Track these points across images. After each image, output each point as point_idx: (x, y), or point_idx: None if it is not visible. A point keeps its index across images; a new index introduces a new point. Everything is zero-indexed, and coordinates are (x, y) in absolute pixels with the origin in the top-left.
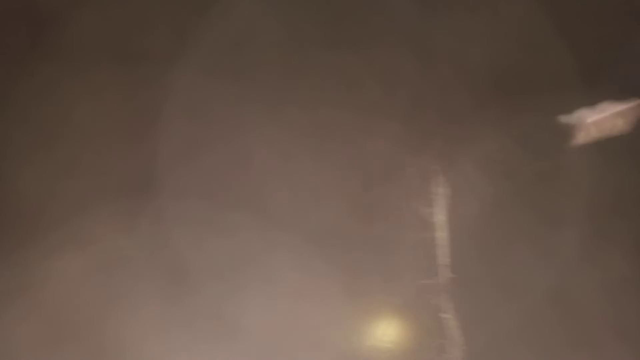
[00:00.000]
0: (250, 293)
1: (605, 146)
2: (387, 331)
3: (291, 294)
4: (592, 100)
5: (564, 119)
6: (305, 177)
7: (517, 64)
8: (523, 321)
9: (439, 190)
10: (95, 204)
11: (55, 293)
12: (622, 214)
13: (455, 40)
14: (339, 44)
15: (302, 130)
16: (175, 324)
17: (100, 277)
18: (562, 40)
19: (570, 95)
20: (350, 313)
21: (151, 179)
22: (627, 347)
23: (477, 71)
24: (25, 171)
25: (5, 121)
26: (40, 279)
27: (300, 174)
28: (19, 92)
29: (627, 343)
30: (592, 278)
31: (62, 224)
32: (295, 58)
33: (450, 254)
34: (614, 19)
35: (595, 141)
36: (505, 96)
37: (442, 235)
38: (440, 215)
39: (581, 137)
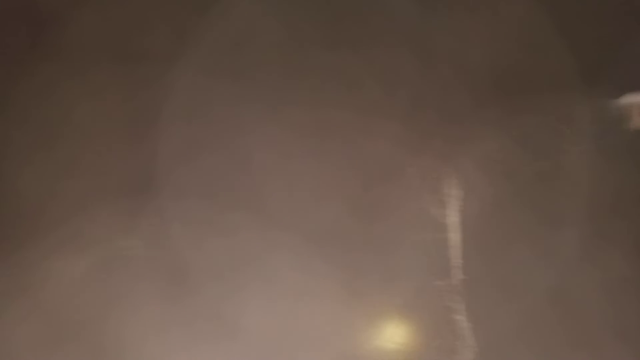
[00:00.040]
0: (250, 293)
1: (605, 146)
2: (387, 331)
3: (291, 294)
4: (592, 100)
5: (617, 102)
6: (305, 177)
7: (517, 64)
8: (523, 321)
9: (451, 192)
10: (95, 204)
11: (55, 293)
12: (622, 214)
13: (455, 40)
14: (339, 44)
15: (302, 130)
16: (175, 324)
17: (100, 277)
18: (562, 40)
19: (570, 95)
20: (350, 313)
21: (151, 179)
22: (627, 347)
23: (477, 71)
24: (25, 171)
25: (5, 121)
26: (40, 279)
27: (300, 174)
28: (19, 92)
29: (627, 343)
30: (592, 278)
31: (62, 224)
32: (295, 58)
33: (454, 254)
34: (614, 19)
35: None
36: (505, 96)
37: (453, 236)
38: (452, 217)
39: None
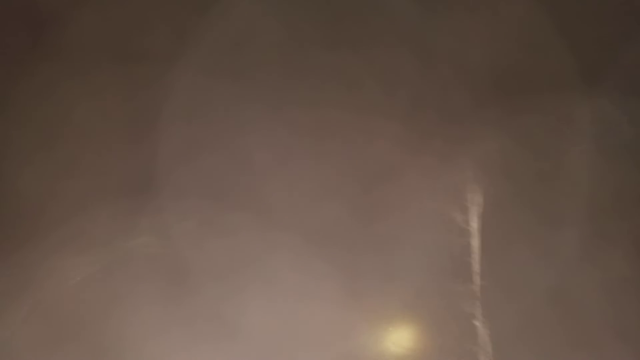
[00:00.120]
0: (251, 294)
1: (605, 146)
2: (389, 334)
3: (292, 295)
4: (592, 100)
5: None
6: (305, 177)
7: (517, 64)
8: (523, 321)
9: (474, 198)
10: (95, 204)
11: (55, 293)
12: (622, 214)
13: (455, 40)
14: (339, 44)
15: (302, 130)
16: (175, 325)
17: (100, 278)
18: (562, 40)
19: (570, 95)
20: (351, 313)
21: (151, 179)
22: (627, 347)
23: (477, 71)
24: (25, 171)
25: (5, 121)
26: (40, 279)
27: (301, 174)
28: (19, 92)
29: (627, 343)
30: (592, 278)
31: (62, 224)
32: (295, 58)
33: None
34: (614, 19)
35: None
36: (505, 96)
37: (471, 241)
38: (473, 223)
39: None
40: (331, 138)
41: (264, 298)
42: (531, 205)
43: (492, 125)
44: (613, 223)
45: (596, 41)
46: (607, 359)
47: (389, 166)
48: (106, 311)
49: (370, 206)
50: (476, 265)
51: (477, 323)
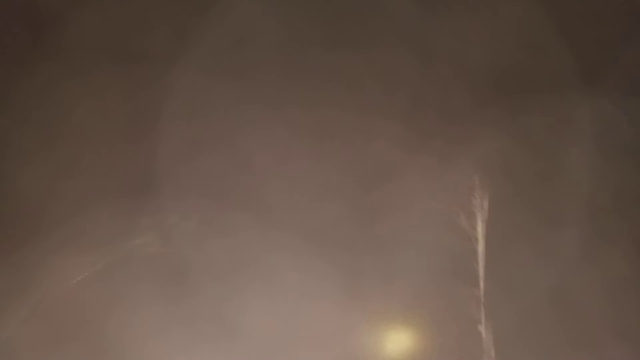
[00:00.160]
0: (251, 294)
1: (605, 146)
2: (389, 334)
3: (292, 295)
4: (592, 100)
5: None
6: (305, 177)
7: (517, 64)
8: (523, 321)
9: (474, 198)
10: (96, 204)
11: (55, 293)
12: (622, 214)
13: (455, 40)
14: (339, 44)
15: (302, 131)
16: (175, 325)
17: (100, 278)
18: (562, 40)
19: (570, 95)
20: (351, 314)
21: (151, 179)
22: (627, 347)
23: (477, 71)
24: (25, 171)
25: (5, 121)
26: (40, 279)
27: (301, 174)
28: (19, 92)
29: (627, 343)
30: (592, 278)
31: (62, 224)
32: (296, 58)
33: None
34: (614, 19)
35: None
36: (505, 96)
37: (476, 245)
38: (473, 223)
39: None
40: (331, 138)
41: (264, 298)
42: (531, 205)
43: (492, 125)
44: (613, 223)
45: (596, 41)
46: (607, 359)
47: (389, 166)
48: (106, 311)
49: (371, 206)
50: (476, 266)
51: (478, 323)
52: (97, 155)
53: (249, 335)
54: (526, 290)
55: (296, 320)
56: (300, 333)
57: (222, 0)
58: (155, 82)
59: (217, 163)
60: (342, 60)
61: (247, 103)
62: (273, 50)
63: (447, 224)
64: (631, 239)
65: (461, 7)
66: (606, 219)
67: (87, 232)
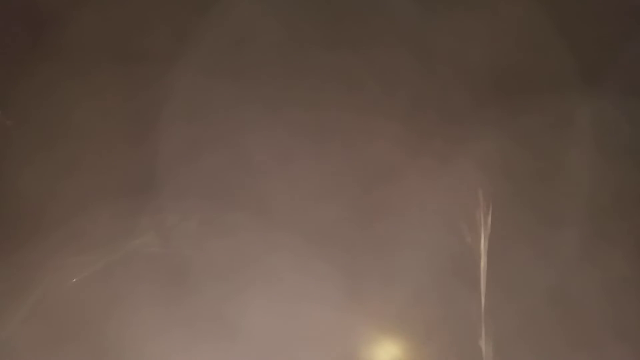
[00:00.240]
0: (251, 294)
1: (605, 146)
2: (388, 333)
3: (292, 295)
4: (592, 100)
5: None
6: (305, 177)
7: (517, 64)
8: (523, 321)
9: (474, 198)
10: (96, 204)
11: (55, 293)
12: (622, 214)
13: (455, 40)
14: (339, 44)
15: (302, 131)
16: (175, 325)
17: (100, 278)
18: (562, 40)
19: (570, 95)
20: (352, 314)
21: (151, 179)
22: (627, 347)
23: (477, 71)
24: (25, 171)
25: (5, 121)
26: (40, 279)
27: (301, 174)
28: (19, 92)
29: (627, 343)
30: (592, 278)
31: (62, 224)
32: (296, 58)
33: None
34: (614, 19)
35: None
36: (505, 96)
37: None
38: (473, 223)
39: None
40: (331, 138)
41: (265, 298)
42: (531, 205)
43: (492, 125)
44: (613, 223)
45: (596, 41)
46: (607, 359)
47: (389, 166)
48: (106, 311)
49: (371, 206)
50: (476, 266)
51: (478, 323)
52: (97, 155)
53: (249, 335)
54: (526, 290)
55: (296, 321)
56: (300, 333)
57: (222, 0)
58: (155, 82)
59: (217, 163)
60: (342, 60)
61: (247, 103)
62: (273, 50)
63: (447, 225)
64: (631, 239)
65: (461, 7)
66: (606, 219)
67: (87, 232)
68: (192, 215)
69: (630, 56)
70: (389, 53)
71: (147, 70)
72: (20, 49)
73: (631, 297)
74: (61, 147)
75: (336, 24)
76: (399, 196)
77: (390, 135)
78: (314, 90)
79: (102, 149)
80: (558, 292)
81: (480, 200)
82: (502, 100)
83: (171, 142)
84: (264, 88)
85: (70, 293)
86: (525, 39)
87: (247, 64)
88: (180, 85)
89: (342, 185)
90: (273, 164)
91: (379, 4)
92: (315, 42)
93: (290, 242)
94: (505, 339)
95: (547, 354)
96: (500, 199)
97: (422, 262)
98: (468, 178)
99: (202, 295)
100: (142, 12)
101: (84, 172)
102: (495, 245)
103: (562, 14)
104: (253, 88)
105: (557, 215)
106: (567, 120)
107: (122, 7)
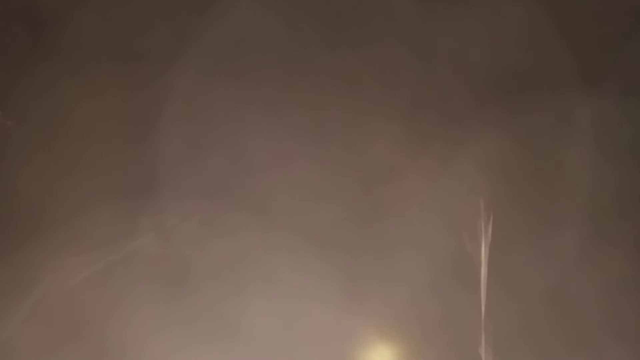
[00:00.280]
0: (251, 294)
1: (605, 146)
2: (388, 333)
3: (292, 295)
4: (592, 100)
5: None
6: (305, 177)
7: (517, 64)
8: (523, 321)
9: (473, 198)
10: (96, 204)
11: (55, 293)
12: (622, 214)
13: (455, 40)
14: (339, 44)
15: (302, 131)
16: (176, 325)
17: (100, 278)
18: (562, 40)
19: (570, 95)
20: (351, 315)
21: (151, 179)
22: (627, 347)
23: (477, 71)
24: (25, 171)
25: (5, 121)
26: (40, 279)
27: (301, 175)
28: (19, 92)
29: (627, 343)
30: (592, 278)
31: (62, 224)
32: (296, 58)
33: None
34: (614, 19)
35: None
36: (505, 96)
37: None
38: (473, 223)
39: None
40: (331, 138)
41: (264, 298)
42: (531, 205)
43: (492, 125)
44: (613, 223)
45: (596, 41)
46: (607, 359)
47: (389, 166)
48: (106, 311)
49: (371, 207)
50: (476, 266)
51: (478, 323)
52: (97, 155)
53: (249, 335)
54: (526, 290)
55: (296, 321)
56: (299, 333)
57: (222, 0)
58: (155, 82)
59: (217, 163)
60: (342, 60)
61: (247, 103)
62: (273, 50)
63: (447, 225)
64: (631, 239)
65: (461, 7)
66: (606, 219)
67: (87, 232)
68: (192, 216)
69: (630, 56)
70: (389, 53)
71: (147, 70)
72: (20, 49)
73: (631, 297)
74: (61, 147)
75: (336, 24)
76: (399, 196)
77: (390, 135)
78: (314, 90)
79: (102, 149)
80: (558, 292)
81: (480, 201)
82: (502, 100)
83: (171, 142)
84: (264, 88)
85: (70, 293)
86: (525, 39)
87: (247, 64)
88: (180, 85)
89: (342, 185)
90: (273, 164)
91: (379, 4)
92: (315, 42)
93: (290, 242)
94: (505, 339)
95: (547, 354)
96: (500, 199)
97: (422, 263)
98: (468, 178)
99: (202, 295)
100: (142, 12)
101: (84, 172)
102: (495, 245)
103: (562, 14)
104: (253, 88)
105: (557, 215)
106: (567, 120)
107: (122, 7)
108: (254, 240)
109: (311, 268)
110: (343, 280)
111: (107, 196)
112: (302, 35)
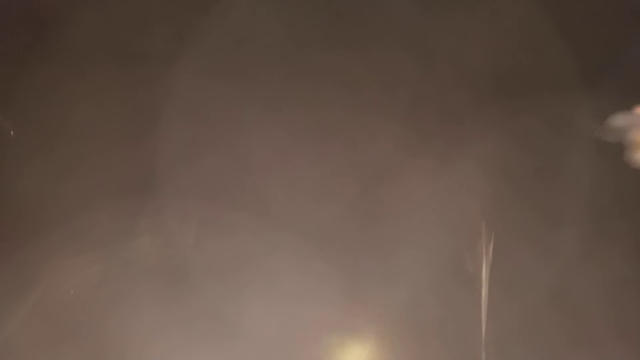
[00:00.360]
0: (251, 294)
1: (605, 146)
2: (388, 333)
3: (292, 296)
4: (592, 100)
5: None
6: (305, 177)
7: (517, 64)
8: (523, 321)
9: (473, 198)
10: (96, 204)
11: (55, 293)
12: (622, 214)
13: (455, 40)
14: (339, 44)
15: (302, 131)
16: (175, 325)
17: (100, 278)
18: (562, 40)
19: (570, 95)
20: (351, 315)
21: (151, 180)
22: (627, 347)
23: (477, 71)
24: (25, 171)
25: (5, 121)
26: (40, 279)
27: (301, 175)
28: (19, 92)
29: (627, 343)
30: (592, 278)
31: (62, 224)
32: (295, 58)
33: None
34: (614, 19)
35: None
36: (505, 96)
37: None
38: (473, 223)
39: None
40: (331, 138)
41: (264, 298)
42: (531, 205)
43: (492, 125)
44: (613, 223)
45: (596, 41)
46: (607, 359)
47: (389, 167)
48: (106, 311)
49: (371, 207)
50: (476, 266)
51: (478, 323)
52: (97, 155)
53: (249, 335)
54: (527, 290)
55: (296, 321)
56: (299, 333)
57: (222, 0)
58: (155, 82)
59: (217, 163)
60: (342, 60)
61: (247, 103)
62: (273, 50)
63: (447, 225)
64: (631, 238)
65: (461, 7)
66: (606, 219)
67: (87, 232)
68: (192, 216)
69: (630, 56)
70: (389, 53)
71: (147, 70)
72: (20, 49)
73: (631, 297)
74: (61, 147)
75: (336, 24)
76: (399, 196)
77: (390, 135)
78: (314, 90)
79: (102, 149)
80: (558, 292)
81: (480, 200)
82: (502, 100)
83: (171, 142)
84: (264, 88)
85: (70, 293)
86: (525, 39)
87: (247, 64)
88: (180, 85)
89: (342, 185)
90: (273, 164)
91: (379, 4)
92: (315, 42)
93: (290, 242)
94: (505, 339)
95: (547, 353)
96: (501, 199)
97: (422, 263)
98: (468, 178)
99: (202, 295)
100: (142, 12)
101: (84, 172)
102: (495, 245)
103: (562, 14)
104: (253, 88)
105: (557, 215)
106: (567, 120)
107: (122, 7)
108: (254, 241)
109: (311, 268)
110: (343, 280)
111: (107, 196)
112: (302, 35)
